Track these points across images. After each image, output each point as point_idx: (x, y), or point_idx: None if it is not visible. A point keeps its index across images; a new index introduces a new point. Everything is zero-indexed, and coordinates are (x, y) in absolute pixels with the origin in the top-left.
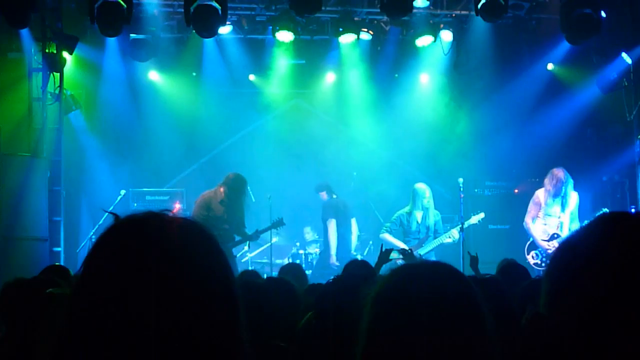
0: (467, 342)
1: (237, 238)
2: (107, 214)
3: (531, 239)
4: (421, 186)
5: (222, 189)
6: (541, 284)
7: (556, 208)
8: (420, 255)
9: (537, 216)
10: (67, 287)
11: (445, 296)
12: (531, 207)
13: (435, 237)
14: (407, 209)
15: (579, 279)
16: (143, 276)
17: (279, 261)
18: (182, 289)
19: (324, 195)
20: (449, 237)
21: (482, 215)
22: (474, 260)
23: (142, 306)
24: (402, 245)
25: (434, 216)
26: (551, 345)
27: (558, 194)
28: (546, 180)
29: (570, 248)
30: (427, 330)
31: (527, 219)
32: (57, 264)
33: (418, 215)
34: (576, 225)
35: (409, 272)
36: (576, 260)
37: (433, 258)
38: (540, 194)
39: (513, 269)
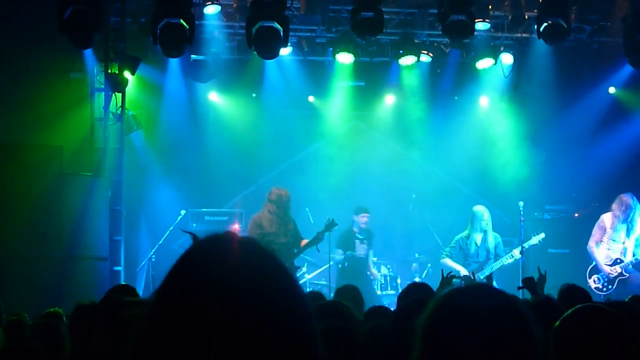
0: None
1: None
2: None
3: (594, 263)
4: (479, 208)
5: (267, 206)
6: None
7: (622, 233)
8: (481, 278)
9: (602, 240)
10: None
11: (493, 317)
12: (596, 231)
13: (495, 260)
14: (465, 232)
15: None
16: (222, 302)
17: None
18: (261, 314)
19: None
20: (511, 257)
21: (542, 235)
22: (541, 279)
23: (221, 333)
24: (462, 270)
25: (493, 239)
26: None
27: (626, 219)
28: (614, 206)
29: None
30: (476, 353)
31: (591, 243)
32: (123, 283)
33: (477, 237)
34: None
35: (456, 296)
36: None
37: (494, 281)
38: (606, 218)
39: (574, 292)
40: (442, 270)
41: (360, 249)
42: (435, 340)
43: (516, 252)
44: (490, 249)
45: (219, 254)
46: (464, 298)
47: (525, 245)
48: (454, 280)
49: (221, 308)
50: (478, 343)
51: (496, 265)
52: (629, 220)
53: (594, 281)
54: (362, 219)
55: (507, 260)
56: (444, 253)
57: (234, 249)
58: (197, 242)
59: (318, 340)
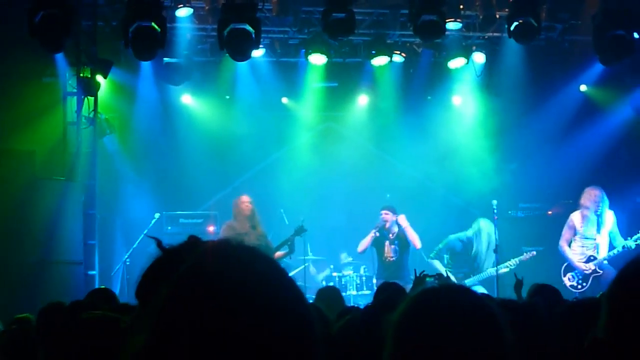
0: None
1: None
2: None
3: (567, 262)
4: (482, 220)
5: (243, 209)
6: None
7: (592, 229)
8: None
9: (573, 239)
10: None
11: (463, 319)
12: (565, 231)
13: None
14: (468, 234)
15: None
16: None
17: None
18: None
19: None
20: (506, 267)
21: (533, 253)
22: (518, 284)
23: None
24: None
25: (490, 253)
26: None
27: (596, 211)
28: (582, 200)
29: (634, 276)
30: (447, 352)
31: (562, 242)
32: (102, 287)
33: (473, 246)
34: (621, 241)
35: (427, 297)
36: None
37: (480, 287)
38: (574, 217)
39: (544, 291)
40: (414, 270)
41: None
42: (407, 337)
43: (512, 262)
44: (480, 261)
45: (228, 264)
46: (436, 296)
47: (517, 260)
48: (427, 279)
49: (238, 316)
50: (449, 341)
51: (483, 276)
52: (598, 213)
53: (569, 279)
54: None
55: (501, 269)
56: (434, 253)
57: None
58: (205, 251)
59: (320, 343)
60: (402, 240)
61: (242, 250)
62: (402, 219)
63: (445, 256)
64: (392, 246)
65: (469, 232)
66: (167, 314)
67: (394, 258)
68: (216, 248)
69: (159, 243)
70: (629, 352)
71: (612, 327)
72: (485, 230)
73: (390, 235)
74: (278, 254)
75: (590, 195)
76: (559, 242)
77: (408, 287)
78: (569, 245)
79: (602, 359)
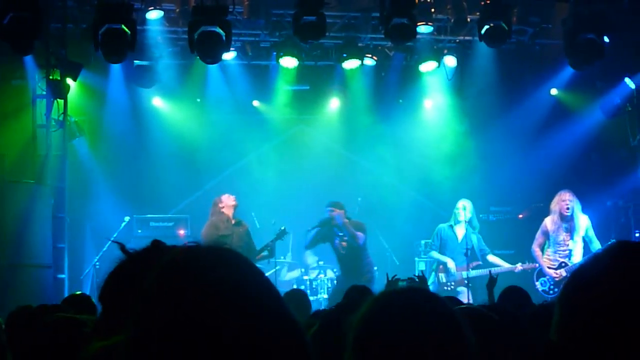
0: None
1: None
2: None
3: (539, 267)
4: (461, 203)
5: (226, 208)
6: (547, 311)
7: (564, 235)
8: (462, 276)
9: (547, 244)
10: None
11: (423, 321)
12: (539, 235)
13: (481, 257)
14: (449, 222)
15: (591, 309)
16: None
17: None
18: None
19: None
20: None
21: (519, 267)
22: (491, 282)
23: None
24: (449, 262)
25: (477, 239)
26: None
27: (566, 216)
28: (552, 205)
29: (584, 276)
30: (407, 353)
31: (535, 247)
32: (78, 292)
33: (458, 230)
34: (597, 246)
35: (387, 299)
36: (588, 289)
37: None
38: (547, 222)
39: (514, 293)
40: (387, 274)
41: None
42: (366, 338)
43: (519, 267)
44: (472, 244)
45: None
46: (396, 298)
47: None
48: (400, 283)
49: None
50: (409, 343)
51: (499, 269)
52: (569, 218)
53: (541, 284)
54: None
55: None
56: (429, 247)
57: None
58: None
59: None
60: (350, 235)
61: (222, 250)
62: (341, 216)
63: (435, 244)
64: (343, 243)
65: (451, 221)
66: (151, 309)
67: (344, 252)
68: (194, 248)
69: (122, 247)
70: (579, 352)
71: (563, 328)
72: (461, 210)
73: (339, 230)
74: (260, 255)
75: (560, 200)
76: (532, 243)
77: (367, 277)
78: (543, 250)
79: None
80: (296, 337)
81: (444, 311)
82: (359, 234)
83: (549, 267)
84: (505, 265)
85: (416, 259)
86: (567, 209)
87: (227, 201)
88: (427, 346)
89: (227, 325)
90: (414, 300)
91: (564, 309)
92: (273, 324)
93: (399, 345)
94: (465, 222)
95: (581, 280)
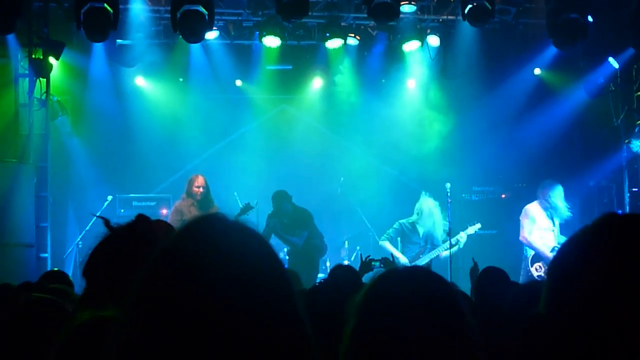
0: (449, 342)
1: None
2: (94, 218)
3: (533, 252)
4: (425, 202)
5: (184, 194)
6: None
7: (548, 221)
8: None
9: (533, 231)
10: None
11: (425, 298)
12: (525, 223)
13: (432, 249)
14: (412, 218)
15: (579, 279)
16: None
17: None
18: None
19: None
20: (455, 244)
21: (478, 225)
22: (474, 269)
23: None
24: (400, 256)
25: (439, 228)
26: (551, 345)
27: (550, 204)
28: (538, 192)
29: (571, 249)
30: (410, 330)
31: (525, 234)
32: (55, 269)
33: (420, 229)
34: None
35: (392, 277)
36: (577, 260)
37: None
38: (531, 208)
39: (491, 274)
40: (360, 255)
41: None
42: (370, 316)
43: (463, 235)
44: (432, 239)
45: (209, 239)
46: (399, 280)
47: (464, 235)
48: (373, 263)
49: (215, 295)
50: (411, 322)
51: (433, 254)
52: (553, 205)
53: (536, 269)
54: None
55: (442, 251)
56: (385, 235)
57: (223, 234)
58: (185, 227)
59: (305, 318)
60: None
61: (225, 225)
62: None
63: (398, 238)
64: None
65: (413, 217)
66: (150, 290)
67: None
68: (196, 222)
69: (106, 222)
70: (566, 324)
71: (551, 302)
72: (427, 207)
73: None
74: None
75: (544, 188)
76: (515, 221)
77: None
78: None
79: (540, 332)
80: (299, 332)
81: (446, 291)
82: (294, 239)
83: (544, 251)
84: (397, 254)
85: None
86: (550, 196)
87: (198, 182)
88: (429, 326)
89: (229, 316)
90: (416, 280)
91: (551, 282)
92: (277, 316)
93: (403, 320)
94: (430, 220)
95: (568, 253)
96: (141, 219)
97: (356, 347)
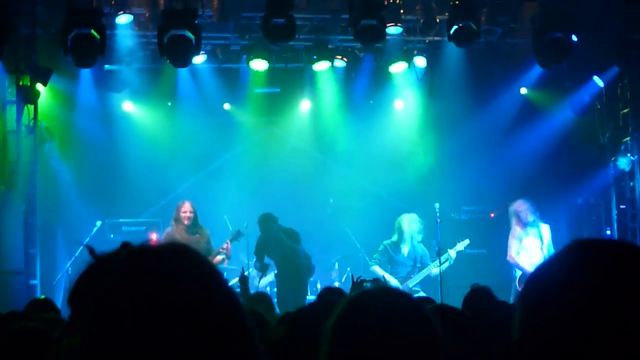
0: None
1: None
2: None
3: (520, 272)
4: (405, 218)
5: (181, 218)
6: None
7: (533, 240)
8: (410, 287)
9: (520, 250)
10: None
11: (396, 319)
12: (512, 242)
13: (423, 268)
14: (393, 239)
15: (551, 307)
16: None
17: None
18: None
19: None
20: (445, 261)
21: (467, 241)
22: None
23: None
24: (391, 279)
25: (421, 249)
26: None
27: (527, 222)
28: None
29: (544, 275)
30: (383, 353)
31: (512, 253)
32: (42, 297)
33: (404, 246)
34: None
35: (361, 301)
36: (549, 287)
37: (419, 289)
38: (516, 226)
39: (479, 294)
40: (352, 275)
41: None
42: (342, 338)
43: (452, 253)
44: (417, 257)
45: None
46: (371, 298)
47: (453, 251)
48: (365, 284)
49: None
50: (383, 341)
51: (424, 274)
52: (530, 224)
53: None
54: None
55: (432, 269)
56: (373, 260)
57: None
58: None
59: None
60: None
61: (174, 245)
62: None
63: (383, 260)
64: None
65: (394, 237)
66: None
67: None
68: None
69: (91, 250)
70: (538, 350)
71: (523, 328)
72: (406, 226)
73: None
74: (217, 259)
75: (518, 208)
76: (504, 241)
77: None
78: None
79: (516, 357)
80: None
81: (417, 310)
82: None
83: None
84: (389, 278)
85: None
86: (525, 217)
87: (184, 208)
88: (401, 344)
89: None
90: (388, 300)
91: (524, 308)
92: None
93: (374, 343)
94: (411, 237)
95: (540, 279)
96: (125, 246)
97: None
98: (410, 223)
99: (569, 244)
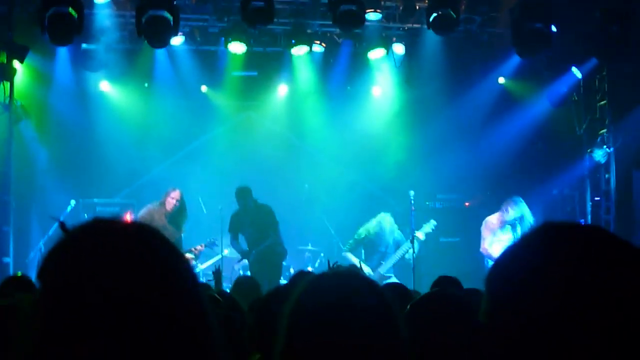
0: (381, 345)
1: None
2: (57, 223)
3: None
4: (386, 217)
5: (167, 202)
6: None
7: (509, 235)
8: (381, 274)
9: (494, 242)
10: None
11: (353, 303)
12: (485, 234)
13: (393, 253)
14: (370, 229)
15: (519, 290)
16: (102, 283)
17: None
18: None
19: None
20: (409, 246)
21: (433, 222)
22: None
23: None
24: (364, 267)
25: (398, 234)
26: (492, 355)
27: (514, 220)
28: (504, 205)
29: (512, 257)
30: (338, 335)
31: (485, 245)
32: (19, 273)
33: (380, 238)
34: None
35: (318, 285)
36: (517, 270)
37: (392, 275)
38: (492, 219)
39: (444, 282)
40: (328, 261)
41: None
42: (298, 322)
43: (420, 235)
44: (391, 245)
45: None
46: (327, 281)
47: (421, 233)
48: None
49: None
50: (340, 324)
51: (396, 257)
52: (513, 224)
53: None
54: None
55: (404, 250)
56: (346, 247)
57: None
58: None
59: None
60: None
61: (146, 226)
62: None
63: (360, 248)
64: None
65: (373, 228)
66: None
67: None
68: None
69: (62, 225)
70: (505, 333)
71: (489, 311)
72: (387, 225)
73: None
74: (186, 256)
75: (507, 203)
76: (477, 230)
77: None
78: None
79: (482, 341)
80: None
81: (374, 291)
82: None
83: None
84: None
85: (344, 248)
86: (514, 215)
87: (174, 195)
88: (357, 323)
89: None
90: (344, 283)
91: (490, 292)
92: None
93: (329, 325)
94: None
95: (508, 262)
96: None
97: (287, 353)
98: (391, 223)
99: (538, 227)
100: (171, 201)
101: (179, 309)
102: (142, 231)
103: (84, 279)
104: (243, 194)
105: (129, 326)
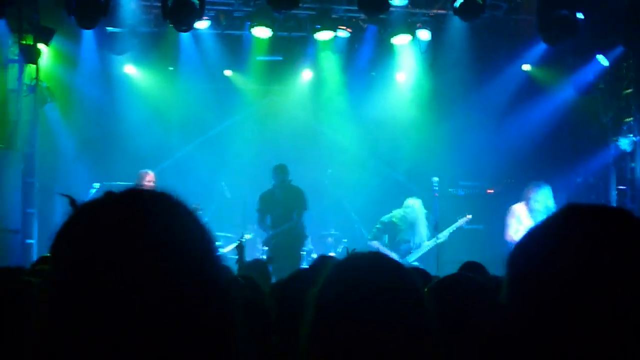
0: (408, 326)
1: None
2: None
3: None
4: (412, 203)
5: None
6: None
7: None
8: (408, 262)
9: (520, 230)
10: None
11: (382, 285)
12: (511, 222)
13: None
14: (395, 217)
15: (538, 270)
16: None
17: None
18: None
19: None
20: (443, 236)
21: (469, 217)
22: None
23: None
24: (390, 254)
25: (424, 228)
26: (511, 336)
27: (533, 209)
28: (527, 193)
29: (533, 238)
30: (367, 317)
31: (510, 233)
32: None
33: (405, 228)
34: None
35: (348, 266)
36: (537, 251)
37: (418, 264)
38: (517, 207)
39: (469, 268)
40: (346, 248)
41: None
42: (328, 302)
43: (445, 233)
44: (420, 237)
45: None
46: (355, 269)
47: (453, 227)
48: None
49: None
50: (369, 305)
51: (422, 250)
52: (539, 211)
53: None
54: None
55: (432, 243)
56: (370, 235)
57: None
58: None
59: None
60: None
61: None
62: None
63: (385, 236)
64: None
65: (399, 213)
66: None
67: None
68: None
69: (71, 201)
70: (527, 315)
71: (512, 293)
72: (417, 209)
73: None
74: None
75: (528, 190)
76: (503, 218)
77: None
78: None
79: (502, 321)
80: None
81: (401, 273)
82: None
83: None
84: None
85: (368, 237)
86: (541, 200)
87: (149, 179)
88: (385, 306)
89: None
90: (373, 265)
91: (510, 271)
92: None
93: (358, 306)
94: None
95: (528, 243)
96: (107, 194)
97: (316, 337)
98: (420, 209)
99: (562, 208)
100: (148, 185)
101: (197, 288)
102: (157, 200)
103: (96, 251)
104: (282, 170)
105: (142, 302)
